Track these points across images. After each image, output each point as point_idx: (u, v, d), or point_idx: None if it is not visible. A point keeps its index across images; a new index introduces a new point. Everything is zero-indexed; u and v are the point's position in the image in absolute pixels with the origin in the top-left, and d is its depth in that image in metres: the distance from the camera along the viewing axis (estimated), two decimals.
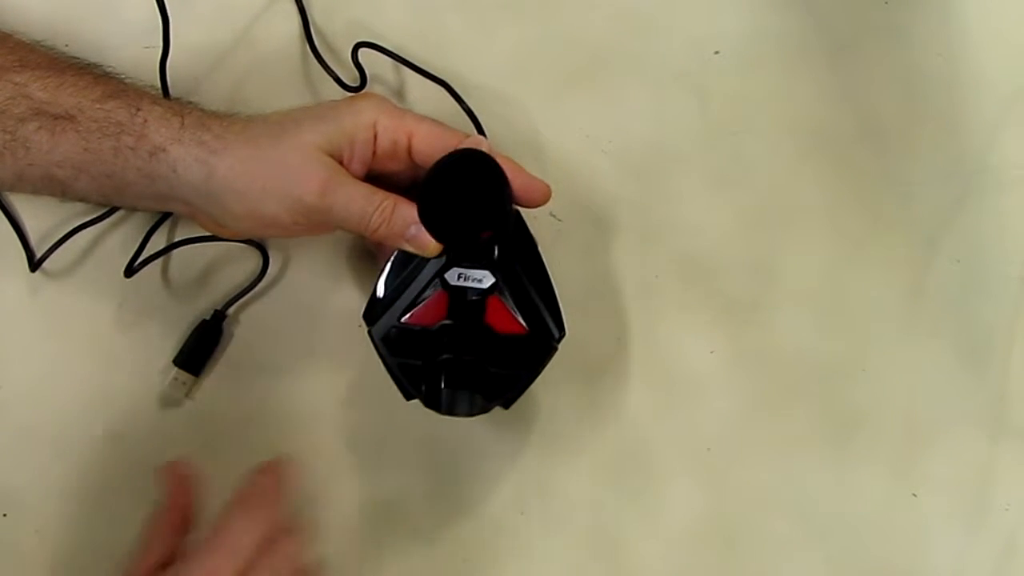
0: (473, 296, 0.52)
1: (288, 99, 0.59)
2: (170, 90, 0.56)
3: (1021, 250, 0.63)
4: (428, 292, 0.52)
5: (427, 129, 0.51)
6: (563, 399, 0.59)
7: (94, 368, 0.57)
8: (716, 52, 0.62)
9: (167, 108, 0.50)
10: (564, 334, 0.53)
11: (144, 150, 0.49)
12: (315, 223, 0.51)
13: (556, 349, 0.53)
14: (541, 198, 0.53)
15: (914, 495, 0.61)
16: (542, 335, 0.53)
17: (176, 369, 0.56)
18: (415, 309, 0.52)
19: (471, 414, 0.52)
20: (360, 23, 0.60)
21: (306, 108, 0.52)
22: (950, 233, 0.62)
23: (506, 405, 0.54)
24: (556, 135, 0.61)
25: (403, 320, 0.52)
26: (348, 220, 0.50)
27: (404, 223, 0.50)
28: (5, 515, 0.56)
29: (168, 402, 0.57)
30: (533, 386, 0.53)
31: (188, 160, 0.49)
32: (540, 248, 0.54)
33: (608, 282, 0.60)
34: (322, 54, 0.58)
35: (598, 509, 0.59)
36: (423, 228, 0.50)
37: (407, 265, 0.52)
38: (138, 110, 0.49)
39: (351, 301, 0.58)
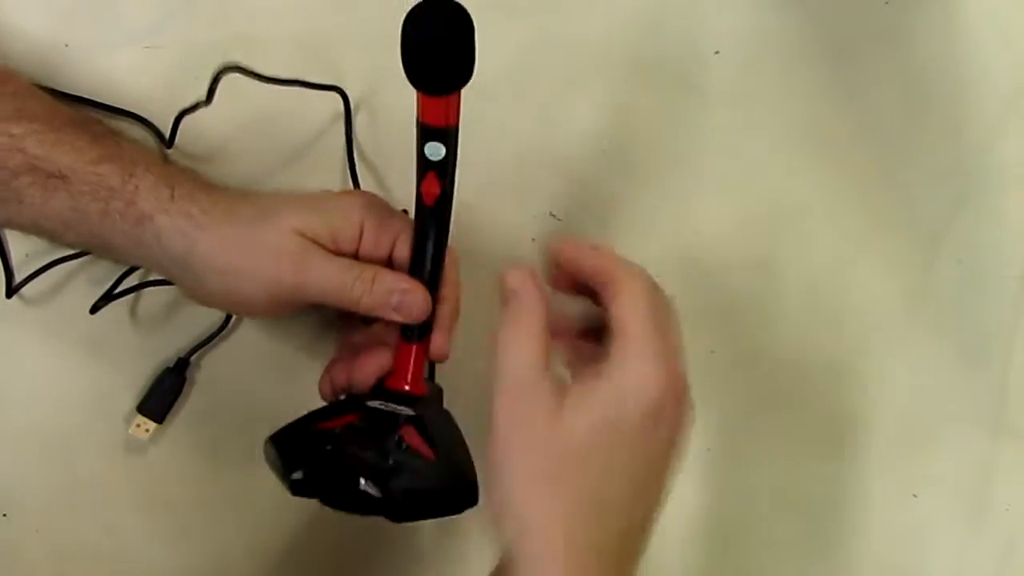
0: (389, 412, 0.49)
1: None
2: (178, 133, 0.56)
3: (1021, 250, 0.63)
4: (343, 412, 0.50)
5: (410, 236, 0.51)
6: None
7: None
8: (716, 52, 0.62)
9: (159, 177, 0.50)
10: (475, 502, 0.49)
11: (132, 216, 0.49)
12: (292, 302, 0.51)
13: (467, 506, 0.48)
14: (438, 354, 0.52)
15: (914, 495, 0.61)
16: (452, 473, 0.48)
17: (139, 416, 0.55)
18: (324, 418, 0.49)
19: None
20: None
21: (296, 195, 0.52)
22: (951, 233, 0.62)
23: (395, 517, 0.48)
24: (556, 135, 0.61)
25: (308, 424, 0.49)
26: (328, 293, 0.50)
27: (387, 290, 0.50)
28: (5, 515, 0.56)
29: (131, 447, 0.56)
30: None
31: (172, 231, 0.49)
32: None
33: None
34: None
35: None
36: (407, 292, 0.49)
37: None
38: (131, 176, 0.49)
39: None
